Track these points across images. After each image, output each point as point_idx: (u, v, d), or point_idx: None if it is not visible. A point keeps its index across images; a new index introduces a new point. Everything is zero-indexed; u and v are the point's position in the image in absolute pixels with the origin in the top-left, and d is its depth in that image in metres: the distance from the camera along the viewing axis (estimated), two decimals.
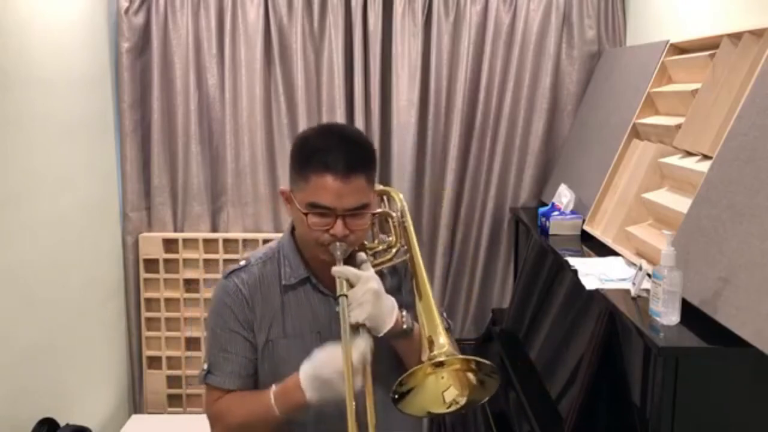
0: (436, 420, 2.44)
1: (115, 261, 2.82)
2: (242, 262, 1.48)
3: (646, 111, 2.23)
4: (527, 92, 2.83)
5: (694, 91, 1.91)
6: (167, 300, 2.88)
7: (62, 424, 2.16)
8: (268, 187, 2.88)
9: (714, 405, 1.44)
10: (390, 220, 1.51)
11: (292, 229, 1.48)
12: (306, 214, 1.33)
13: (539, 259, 2.42)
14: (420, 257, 1.45)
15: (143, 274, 2.86)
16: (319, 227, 1.33)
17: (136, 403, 2.96)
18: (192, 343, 2.92)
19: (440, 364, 1.26)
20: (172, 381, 2.93)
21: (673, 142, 1.97)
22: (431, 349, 1.27)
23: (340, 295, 1.30)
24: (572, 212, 2.37)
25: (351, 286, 1.32)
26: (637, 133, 2.25)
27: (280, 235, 3.04)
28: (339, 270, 1.32)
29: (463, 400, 1.29)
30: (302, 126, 2.82)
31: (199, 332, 2.90)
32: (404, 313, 1.37)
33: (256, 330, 1.43)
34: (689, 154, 1.90)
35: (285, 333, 1.43)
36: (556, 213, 2.37)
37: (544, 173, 2.91)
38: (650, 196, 1.99)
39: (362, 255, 1.41)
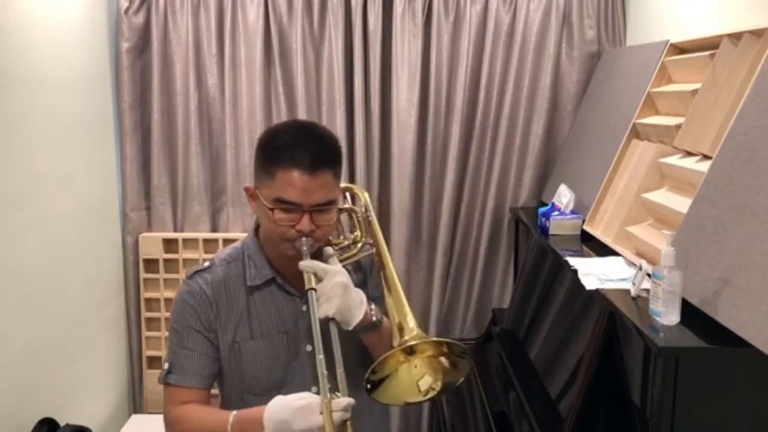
0: (436, 419, 2.44)
1: (115, 261, 2.82)
2: (206, 263, 1.47)
3: (646, 111, 2.23)
4: (527, 92, 2.83)
5: (694, 91, 1.91)
6: (167, 300, 2.88)
7: (62, 424, 2.16)
8: None
9: (714, 405, 1.44)
10: (354, 216, 1.53)
11: (256, 229, 1.47)
12: (272, 210, 1.32)
13: (539, 259, 2.42)
14: (386, 251, 1.45)
15: (143, 274, 2.86)
16: (286, 223, 1.32)
17: (136, 403, 2.96)
18: None
19: (411, 349, 1.26)
20: None
21: (673, 142, 1.97)
22: (401, 335, 1.28)
23: (309, 289, 1.30)
24: (572, 212, 2.37)
25: (319, 280, 1.32)
26: (637, 133, 2.25)
27: None
28: (307, 264, 1.32)
29: (438, 386, 1.30)
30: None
31: None
32: (373, 306, 1.37)
33: (220, 332, 1.42)
34: (689, 154, 1.90)
35: (252, 334, 1.42)
36: (556, 213, 2.37)
37: (544, 173, 2.91)
38: (650, 196, 1.99)
39: (329, 249, 1.41)
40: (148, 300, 2.89)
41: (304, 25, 2.78)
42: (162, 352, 2.90)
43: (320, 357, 1.24)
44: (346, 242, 1.50)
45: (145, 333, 2.89)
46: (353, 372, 1.28)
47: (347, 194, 1.61)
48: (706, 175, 1.66)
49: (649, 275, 1.58)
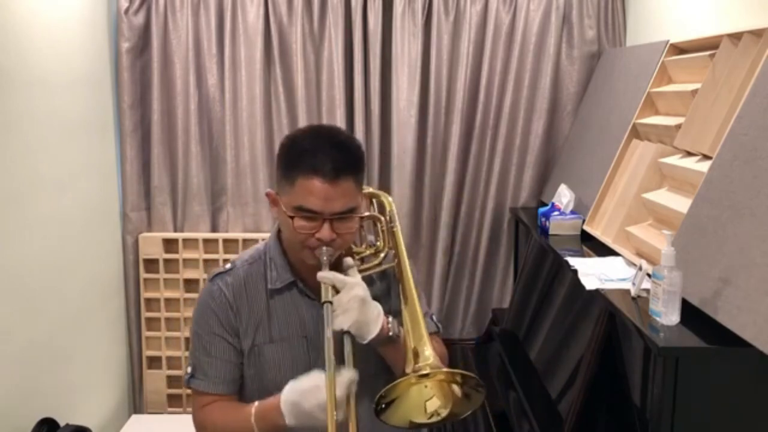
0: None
1: (115, 261, 2.82)
2: (228, 266, 1.45)
3: (646, 111, 2.23)
4: (527, 92, 2.83)
5: (694, 91, 1.91)
6: (167, 300, 2.88)
7: (62, 424, 2.16)
8: (268, 187, 2.88)
9: (714, 405, 1.44)
10: (379, 224, 1.48)
11: (279, 232, 1.45)
12: (292, 218, 1.30)
13: (539, 259, 2.42)
14: (407, 263, 1.40)
15: (143, 274, 2.86)
16: (306, 231, 1.29)
17: (136, 403, 2.96)
18: None
19: (425, 376, 1.22)
20: (172, 381, 2.93)
21: (673, 142, 1.97)
22: (416, 361, 1.24)
23: (325, 302, 1.27)
24: (572, 212, 2.37)
25: (336, 292, 1.29)
26: (637, 133, 2.25)
27: None
28: (325, 275, 1.29)
29: (444, 412, 1.25)
30: (302, 126, 2.82)
31: None
32: (390, 319, 1.33)
33: (241, 335, 1.40)
34: (689, 154, 1.90)
35: (272, 338, 1.40)
36: (556, 213, 2.37)
37: (544, 173, 2.91)
38: (650, 196, 1.99)
39: (349, 260, 1.37)
40: (148, 300, 2.89)
41: (304, 25, 2.78)
42: (162, 352, 2.90)
43: (329, 336, 1.22)
44: (368, 251, 1.46)
45: (145, 333, 2.89)
46: (373, 383, 1.26)
47: (373, 201, 1.55)
48: (706, 175, 1.66)
49: (649, 275, 1.58)
